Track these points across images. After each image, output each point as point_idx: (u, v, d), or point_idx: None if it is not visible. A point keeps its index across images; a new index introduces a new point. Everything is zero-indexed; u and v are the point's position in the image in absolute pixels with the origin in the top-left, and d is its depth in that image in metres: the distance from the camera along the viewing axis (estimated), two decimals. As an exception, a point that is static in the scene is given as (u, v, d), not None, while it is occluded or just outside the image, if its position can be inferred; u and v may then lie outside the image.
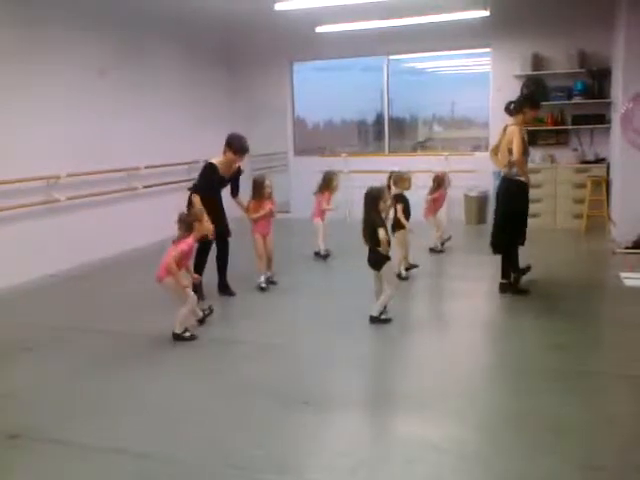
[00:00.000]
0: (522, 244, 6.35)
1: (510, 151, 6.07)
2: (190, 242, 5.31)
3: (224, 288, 6.68)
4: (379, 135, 12.06)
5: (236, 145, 6.33)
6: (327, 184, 8.24)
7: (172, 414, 4.00)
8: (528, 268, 6.49)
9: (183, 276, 5.33)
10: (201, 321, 5.60)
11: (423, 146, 12.10)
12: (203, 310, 5.64)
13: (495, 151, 6.41)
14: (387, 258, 5.46)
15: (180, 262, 5.26)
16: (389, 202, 5.38)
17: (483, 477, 3.22)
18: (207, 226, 5.55)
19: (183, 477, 3.26)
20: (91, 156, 8.38)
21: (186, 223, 5.34)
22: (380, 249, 5.38)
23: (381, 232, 5.33)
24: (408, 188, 7.02)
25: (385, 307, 5.56)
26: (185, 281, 5.29)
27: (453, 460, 3.35)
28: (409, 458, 3.38)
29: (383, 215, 5.50)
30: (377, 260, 5.46)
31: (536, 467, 3.22)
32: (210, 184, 6.33)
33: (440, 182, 8.43)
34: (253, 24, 10.84)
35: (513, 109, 6.22)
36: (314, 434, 3.67)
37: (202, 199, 6.06)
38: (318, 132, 13.09)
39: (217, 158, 6.40)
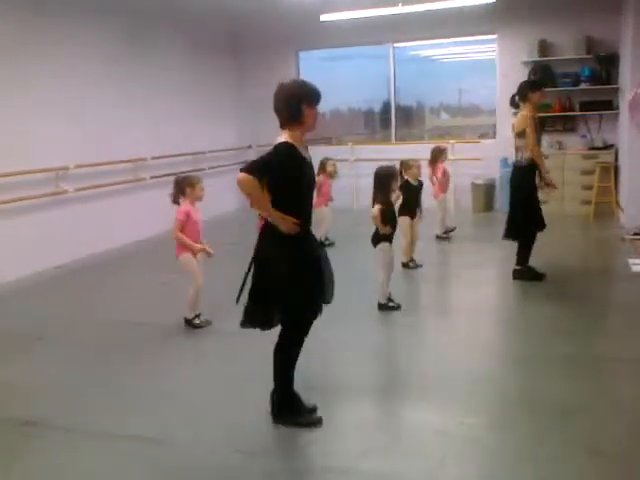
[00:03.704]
0: (541, 229, 6.33)
1: (518, 135, 6.10)
2: (183, 209, 5.18)
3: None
4: (386, 123, 12.03)
5: (309, 92, 3.52)
6: (322, 170, 8.19)
7: (183, 402, 4.04)
8: (542, 276, 6.34)
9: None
10: (193, 322, 5.38)
11: (439, 134, 12.03)
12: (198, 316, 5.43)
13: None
14: (384, 237, 5.49)
15: (186, 233, 5.19)
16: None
17: (488, 461, 3.25)
18: (288, 224, 3.47)
19: (194, 463, 3.30)
20: (99, 147, 8.41)
21: (179, 187, 5.23)
22: (379, 227, 5.45)
23: (374, 208, 5.40)
24: (417, 176, 6.97)
25: (390, 293, 5.60)
26: (198, 246, 5.21)
27: (459, 445, 3.37)
28: (416, 443, 3.41)
29: (393, 196, 5.53)
30: (374, 237, 5.53)
31: (541, 451, 3.23)
32: (299, 180, 3.54)
33: (438, 154, 8.32)
34: (259, 13, 10.80)
35: (519, 100, 6.21)
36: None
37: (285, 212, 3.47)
38: (325, 121, 13.07)
39: (284, 137, 3.51)
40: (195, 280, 5.28)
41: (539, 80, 6.74)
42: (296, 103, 3.45)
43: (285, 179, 3.43)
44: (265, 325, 3.56)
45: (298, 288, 3.47)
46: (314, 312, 3.62)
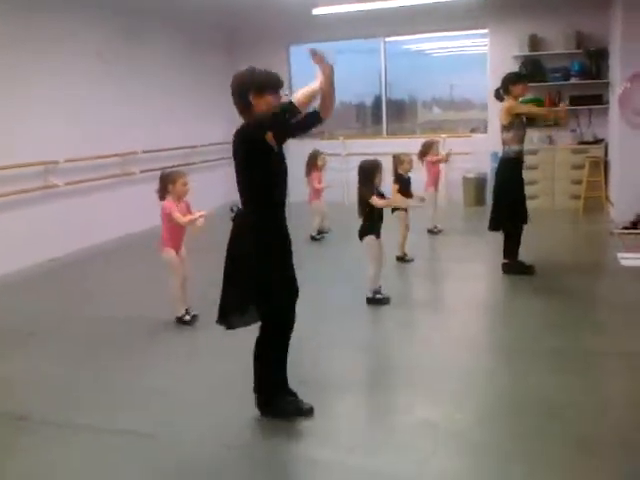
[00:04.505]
0: (524, 222, 6.35)
1: (504, 128, 6.13)
2: (166, 205, 5.15)
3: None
4: (377, 118, 12.03)
5: (257, 80, 3.36)
6: (313, 164, 8.32)
7: (175, 396, 4.05)
8: (531, 269, 6.38)
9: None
10: (182, 319, 5.37)
11: (431, 128, 12.03)
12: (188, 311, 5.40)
13: None
14: (369, 231, 5.51)
15: (171, 229, 5.21)
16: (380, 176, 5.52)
17: (476, 457, 3.26)
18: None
19: (185, 457, 3.31)
20: (89, 141, 8.37)
21: (162, 184, 5.20)
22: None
23: (373, 200, 5.40)
24: (408, 170, 7.03)
25: (379, 287, 5.63)
26: (187, 218, 5.13)
27: (447, 440, 3.39)
28: (404, 438, 3.43)
29: (378, 188, 5.57)
30: (360, 231, 5.56)
31: (530, 446, 3.26)
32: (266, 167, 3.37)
33: (427, 147, 8.35)
34: (250, 8, 10.76)
35: (502, 92, 6.24)
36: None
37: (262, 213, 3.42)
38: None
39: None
40: (175, 275, 5.29)
41: (522, 73, 6.76)
42: (244, 93, 3.33)
43: (251, 166, 3.32)
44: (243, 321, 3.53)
45: (275, 281, 3.43)
46: (291, 309, 3.57)
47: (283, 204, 3.52)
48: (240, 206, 3.47)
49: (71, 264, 7.66)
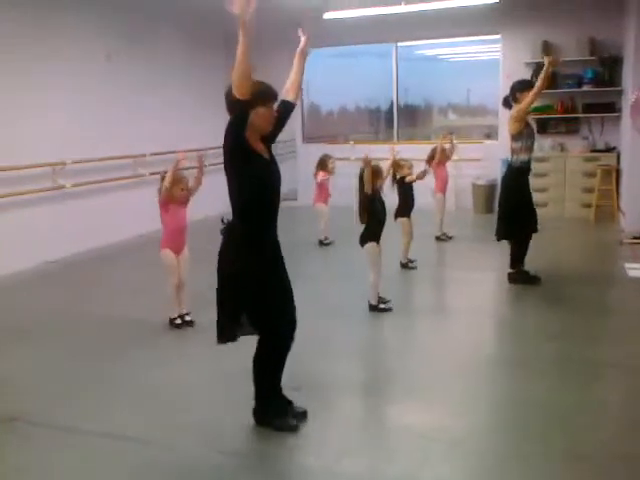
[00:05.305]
0: (534, 231, 6.26)
1: (513, 137, 6.07)
2: (159, 201, 5.23)
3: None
4: (390, 123, 11.98)
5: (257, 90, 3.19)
6: (321, 165, 8.32)
7: (169, 399, 4.04)
8: (537, 280, 6.30)
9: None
10: (174, 322, 5.36)
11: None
12: (182, 317, 5.38)
13: None
14: (371, 237, 5.47)
15: (169, 227, 5.27)
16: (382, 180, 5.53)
17: (470, 464, 3.22)
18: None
19: (178, 462, 3.29)
20: (97, 143, 8.41)
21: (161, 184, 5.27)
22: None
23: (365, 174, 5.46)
24: (408, 175, 6.98)
25: (381, 297, 5.58)
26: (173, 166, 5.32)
27: (443, 447, 3.36)
28: (399, 444, 3.41)
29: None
30: (361, 237, 5.54)
31: (525, 455, 3.22)
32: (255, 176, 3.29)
33: (435, 153, 8.27)
34: (259, 9, 10.75)
35: (511, 101, 6.17)
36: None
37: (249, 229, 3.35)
38: (332, 119, 13.04)
39: None
40: (171, 276, 5.27)
41: (529, 81, 6.72)
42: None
43: (238, 175, 3.26)
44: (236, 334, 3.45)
45: (270, 296, 3.36)
46: (290, 322, 3.50)
47: (274, 215, 3.43)
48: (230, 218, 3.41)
49: (77, 265, 7.69)
